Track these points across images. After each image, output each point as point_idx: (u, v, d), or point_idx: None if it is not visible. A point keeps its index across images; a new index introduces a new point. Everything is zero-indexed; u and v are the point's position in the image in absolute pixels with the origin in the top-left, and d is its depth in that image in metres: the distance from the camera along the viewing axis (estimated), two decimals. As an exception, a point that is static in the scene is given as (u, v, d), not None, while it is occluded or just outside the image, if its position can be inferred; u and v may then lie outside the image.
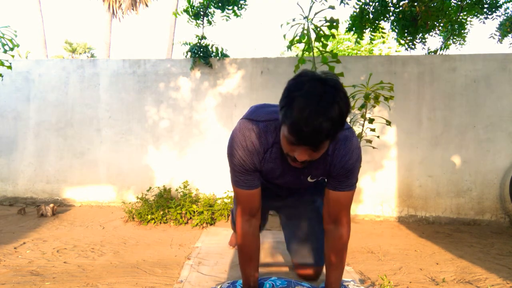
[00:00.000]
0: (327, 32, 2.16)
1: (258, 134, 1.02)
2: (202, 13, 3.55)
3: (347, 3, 3.43)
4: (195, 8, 3.51)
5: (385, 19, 3.62)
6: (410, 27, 3.61)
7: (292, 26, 2.14)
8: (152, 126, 3.36)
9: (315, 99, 0.77)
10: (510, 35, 3.88)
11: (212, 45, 3.33)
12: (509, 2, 3.76)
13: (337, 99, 0.78)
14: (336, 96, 0.78)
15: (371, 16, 3.57)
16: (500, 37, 3.96)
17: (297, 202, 1.45)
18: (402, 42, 3.79)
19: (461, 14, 3.91)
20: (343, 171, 1.05)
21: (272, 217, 3.07)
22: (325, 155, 1.04)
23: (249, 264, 1.17)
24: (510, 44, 4.05)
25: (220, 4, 3.47)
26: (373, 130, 2.31)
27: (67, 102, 3.40)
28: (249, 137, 1.02)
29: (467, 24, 3.99)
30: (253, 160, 1.05)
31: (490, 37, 4.05)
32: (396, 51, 8.62)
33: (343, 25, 3.63)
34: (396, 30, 3.70)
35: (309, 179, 1.15)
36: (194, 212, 2.73)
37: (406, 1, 3.38)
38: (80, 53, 21.45)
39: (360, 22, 3.60)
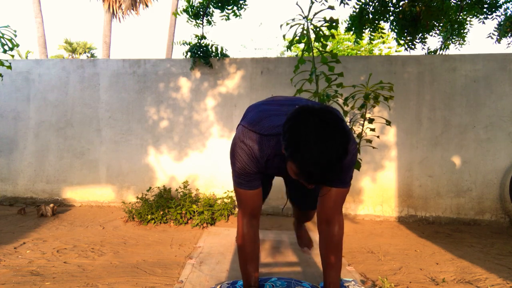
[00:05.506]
0: (326, 32, 2.17)
1: (260, 146, 1.06)
2: (202, 13, 3.55)
3: (347, 3, 3.43)
4: (195, 8, 3.51)
5: (385, 19, 3.62)
6: (410, 27, 3.60)
7: (291, 26, 2.14)
8: (152, 126, 3.36)
9: (319, 141, 0.77)
10: (509, 35, 3.87)
11: (212, 45, 3.33)
12: (509, 2, 3.76)
13: (340, 136, 0.79)
14: (338, 133, 0.79)
15: (370, 16, 3.57)
16: (498, 37, 3.95)
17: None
18: (402, 42, 3.79)
19: (461, 14, 3.90)
20: None
21: (272, 217, 3.07)
22: None
23: (249, 264, 1.18)
24: (508, 44, 4.04)
25: (219, 4, 3.47)
26: (373, 130, 2.31)
27: (67, 102, 3.40)
28: (252, 147, 1.07)
29: (466, 24, 3.99)
30: (255, 165, 1.09)
31: (488, 37, 4.04)
32: (396, 51, 8.61)
33: (343, 25, 3.63)
34: (396, 30, 3.70)
35: None
36: (194, 212, 2.73)
37: (406, 1, 3.38)
38: (80, 53, 21.45)
39: (359, 22, 3.59)
